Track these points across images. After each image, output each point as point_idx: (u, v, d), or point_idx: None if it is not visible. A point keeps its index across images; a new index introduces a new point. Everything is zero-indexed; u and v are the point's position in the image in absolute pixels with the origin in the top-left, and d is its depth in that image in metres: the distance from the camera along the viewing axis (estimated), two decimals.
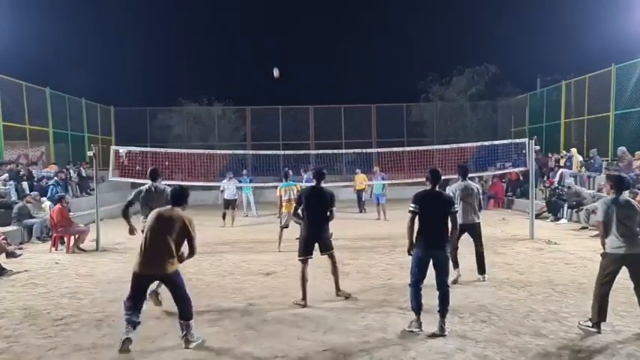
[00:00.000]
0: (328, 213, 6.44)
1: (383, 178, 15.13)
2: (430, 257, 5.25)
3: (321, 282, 7.26)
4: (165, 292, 5.35)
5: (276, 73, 14.91)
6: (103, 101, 22.51)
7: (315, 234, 6.43)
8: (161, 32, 29.67)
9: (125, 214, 6.62)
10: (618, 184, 5.27)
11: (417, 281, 5.26)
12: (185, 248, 4.98)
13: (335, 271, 6.62)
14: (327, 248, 6.52)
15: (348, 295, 6.57)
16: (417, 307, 5.24)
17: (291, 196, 10.20)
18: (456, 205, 5.31)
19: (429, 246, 5.25)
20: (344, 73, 29.67)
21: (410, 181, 14.14)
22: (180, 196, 5.10)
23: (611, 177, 5.57)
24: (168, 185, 6.80)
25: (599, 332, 5.03)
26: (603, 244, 5.23)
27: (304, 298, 6.25)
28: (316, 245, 6.48)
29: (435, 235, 5.27)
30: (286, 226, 10.22)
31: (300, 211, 6.57)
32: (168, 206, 5.07)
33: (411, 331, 5.17)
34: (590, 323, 5.10)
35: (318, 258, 6.27)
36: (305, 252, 6.38)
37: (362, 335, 5.14)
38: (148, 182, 6.84)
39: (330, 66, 30.88)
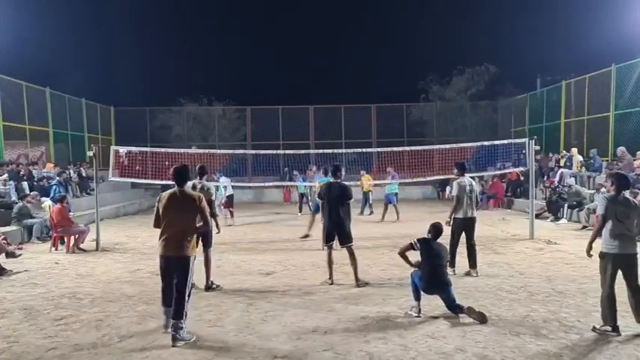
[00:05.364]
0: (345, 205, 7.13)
1: (393, 177, 14.71)
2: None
3: (320, 281, 7.30)
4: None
5: None
6: (103, 101, 22.50)
7: (334, 225, 7.11)
8: (161, 32, 29.72)
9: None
10: (620, 182, 5.33)
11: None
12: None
13: (353, 263, 7.13)
14: (344, 241, 7.14)
15: (366, 283, 7.10)
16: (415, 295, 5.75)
17: None
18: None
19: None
20: (344, 73, 29.73)
21: (410, 180, 14.16)
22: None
23: (613, 175, 5.63)
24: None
25: (619, 335, 4.98)
26: (593, 239, 5.27)
27: (330, 277, 7.19)
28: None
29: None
30: None
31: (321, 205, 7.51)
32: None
33: (410, 314, 5.65)
34: (609, 328, 5.05)
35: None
36: (327, 239, 7.24)
37: (362, 335, 5.14)
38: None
39: (330, 66, 30.94)
